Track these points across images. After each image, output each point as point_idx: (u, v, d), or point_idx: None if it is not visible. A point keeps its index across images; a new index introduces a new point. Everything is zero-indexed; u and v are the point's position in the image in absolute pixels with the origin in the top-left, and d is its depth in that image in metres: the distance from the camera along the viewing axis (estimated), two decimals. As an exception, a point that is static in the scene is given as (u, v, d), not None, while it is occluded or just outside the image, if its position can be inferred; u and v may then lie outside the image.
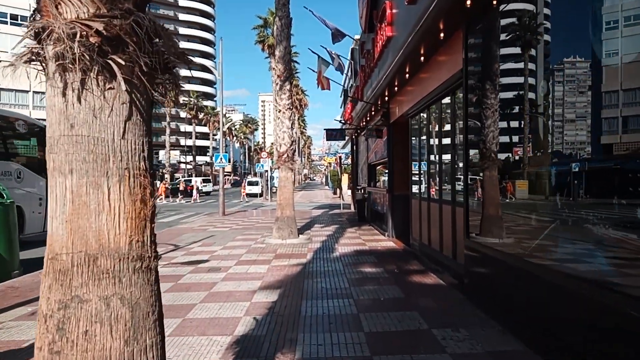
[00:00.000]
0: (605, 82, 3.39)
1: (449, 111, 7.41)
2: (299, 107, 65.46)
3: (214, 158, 21.05)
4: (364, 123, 16.56)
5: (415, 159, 9.53)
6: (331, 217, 19.16)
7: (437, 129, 7.99)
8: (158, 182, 40.59)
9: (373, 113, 13.84)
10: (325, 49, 16.33)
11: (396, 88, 10.30)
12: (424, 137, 8.92)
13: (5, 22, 44.96)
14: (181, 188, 36.02)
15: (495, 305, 5.02)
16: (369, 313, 5.37)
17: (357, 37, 16.19)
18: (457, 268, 6.60)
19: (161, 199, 35.42)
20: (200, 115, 67.54)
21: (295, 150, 12.41)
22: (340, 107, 44.71)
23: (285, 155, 11.69)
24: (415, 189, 9.63)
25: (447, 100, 7.45)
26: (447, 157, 7.60)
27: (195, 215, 22.05)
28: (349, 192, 30.98)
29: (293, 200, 11.92)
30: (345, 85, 26.28)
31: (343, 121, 19.19)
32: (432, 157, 8.37)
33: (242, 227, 15.48)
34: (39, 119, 13.64)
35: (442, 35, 6.54)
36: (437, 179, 7.93)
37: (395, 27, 8.49)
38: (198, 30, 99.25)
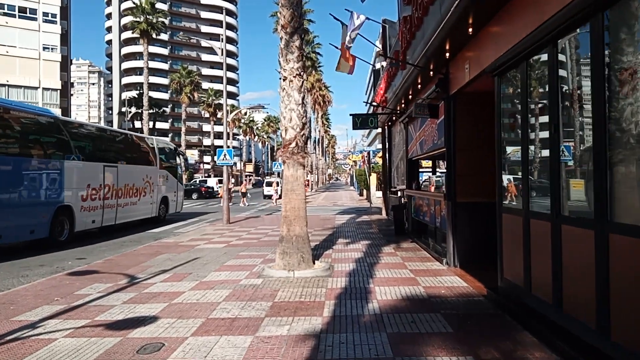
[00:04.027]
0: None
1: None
2: (322, 104, 61.66)
3: (216, 154, 17.47)
4: (403, 105, 12.56)
5: (513, 145, 5.56)
6: (359, 227, 15.21)
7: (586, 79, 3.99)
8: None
9: (420, 86, 9.84)
10: (351, 12, 12.45)
11: (470, 30, 6.31)
12: (538, 104, 4.93)
13: (14, 16, 42.68)
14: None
15: None
16: None
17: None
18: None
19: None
20: (219, 114, 64.45)
21: (308, 138, 8.57)
22: (366, 102, 40.49)
23: (294, 145, 7.82)
24: (510, 196, 5.65)
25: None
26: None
27: (196, 223, 18.46)
28: (379, 193, 26.96)
29: (305, 210, 8.04)
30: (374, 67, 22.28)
31: (375, 104, 15.22)
32: (564, 141, 4.36)
33: (242, 243, 11.70)
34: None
35: None
36: (594, 179, 3.90)
37: None
38: (220, 29, 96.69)
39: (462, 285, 6.67)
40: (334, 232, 13.75)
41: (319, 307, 5.71)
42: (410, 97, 11.14)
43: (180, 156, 21.74)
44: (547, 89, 4.61)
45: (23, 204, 10.92)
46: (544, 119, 4.70)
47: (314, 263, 8.03)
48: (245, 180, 38.91)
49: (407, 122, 12.45)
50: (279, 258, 7.86)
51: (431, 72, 8.55)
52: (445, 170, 17.37)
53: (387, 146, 18.73)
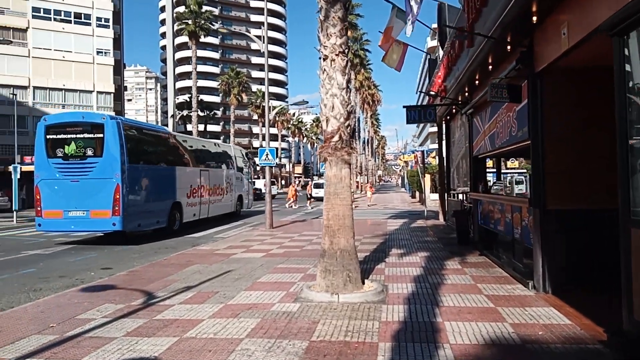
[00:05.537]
0: None
1: None
2: (371, 103, 59.90)
3: (258, 154, 16.52)
4: (467, 94, 10.81)
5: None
6: (414, 234, 13.54)
7: None
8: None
9: (491, 67, 8.10)
10: (405, -8, 10.86)
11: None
12: None
13: (69, 21, 44.12)
14: None
15: None
16: None
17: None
18: None
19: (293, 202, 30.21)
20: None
21: (354, 130, 7.12)
22: (420, 92, 38.41)
23: (337, 138, 6.39)
24: None
25: None
26: None
27: (239, 227, 17.47)
28: (434, 196, 24.98)
29: (352, 218, 6.57)
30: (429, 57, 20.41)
31: (433, 93, 13.48)
32: None
33: (282, 253, 10.41)
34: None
35: None
36: None
37: None
38: (269, 31, 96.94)
39: (564, 322, 4.94)
40: (386, 241, 12.18)
41: (371, 353, 4.23)
42: (476, 82, 9.41)
43: (250, 160, 25.04)
44: None
45: (154, 200, 14.15)
46: None
47: (363, 283, 6.54)
48: (310, 182, 38.07)
49: (472, 114, 10.68)
50: (320, 277, 6.45)
51: (508, 47, 6.85)
52: (509, 171, 15.10)
53: (444, 144, 16.88)
